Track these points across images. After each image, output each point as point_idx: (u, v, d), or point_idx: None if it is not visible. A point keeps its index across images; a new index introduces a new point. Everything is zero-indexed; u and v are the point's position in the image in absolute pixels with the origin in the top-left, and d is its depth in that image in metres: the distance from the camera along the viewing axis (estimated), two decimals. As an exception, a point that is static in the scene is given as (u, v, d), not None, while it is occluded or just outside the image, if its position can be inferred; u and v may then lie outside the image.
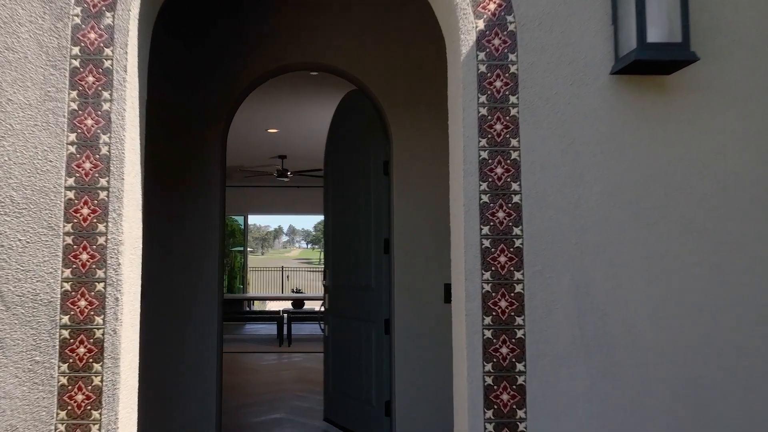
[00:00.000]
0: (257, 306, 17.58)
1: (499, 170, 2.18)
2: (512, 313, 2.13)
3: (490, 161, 2.18)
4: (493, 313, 2.13)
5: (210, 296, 4.00)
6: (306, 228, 70.48)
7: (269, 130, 8.69)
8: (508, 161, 2.18)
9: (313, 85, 6.74)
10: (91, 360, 2.12)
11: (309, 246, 65.69)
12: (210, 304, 4.00)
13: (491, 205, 2.17)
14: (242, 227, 16.48)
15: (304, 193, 14.26)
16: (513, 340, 2.13)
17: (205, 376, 3.98)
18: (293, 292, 15.72)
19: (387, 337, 4.07)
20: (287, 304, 15.23)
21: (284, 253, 63.02)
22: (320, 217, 58.89)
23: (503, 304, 2.14)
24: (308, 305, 15.04)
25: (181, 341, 3.97)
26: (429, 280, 3.94)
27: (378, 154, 4.23)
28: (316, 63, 4.18)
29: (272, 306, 17.83)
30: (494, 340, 2.12)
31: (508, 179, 2.18)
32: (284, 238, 72.61)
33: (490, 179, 2.17)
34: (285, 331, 10.36)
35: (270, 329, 12.01)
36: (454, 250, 2.35)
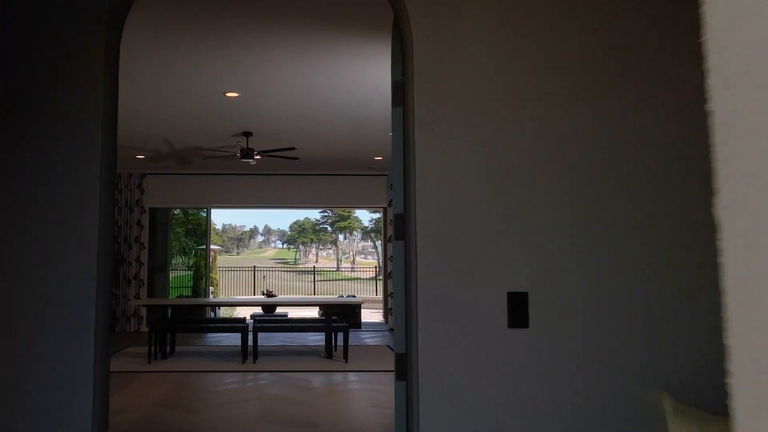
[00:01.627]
0: (228, 310, 15.74)
1: None
2: None
3: None
4: None
5: (80, 302, 2.21)
6: (282, 228, 68.77)
7: (227, 94, 6.90)
8: None
9: (281, 20, 4.97)
10: None
11: (284, 246, 64.10)
12: (80, 311, 2.21)
13: None
14: (216, 223, 14.70)
15: (276, 182, 12.46)
16: None
17: (71, 415, 2.20)
18: (264, 294, 13.92)
19: (402, 386, 2.34)
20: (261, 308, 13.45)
21: (260, 253, 61.75)
22: (296, 216, 57.35)
23: None
24: (280, 310, 13.27)
25: (26, 362, 2.19)
26: (479, 285, 2.20)
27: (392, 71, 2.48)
28: None
29: (243, 311, 16.03)
30: None
31: None
32: (260, 238, 71.01)
33: None
34: (251, 341, 8.56)
35: (236, 339, 10.20)
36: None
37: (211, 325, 9.08)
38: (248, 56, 5.73)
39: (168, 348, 9.07)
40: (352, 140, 9.36)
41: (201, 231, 16.45)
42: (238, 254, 60.35)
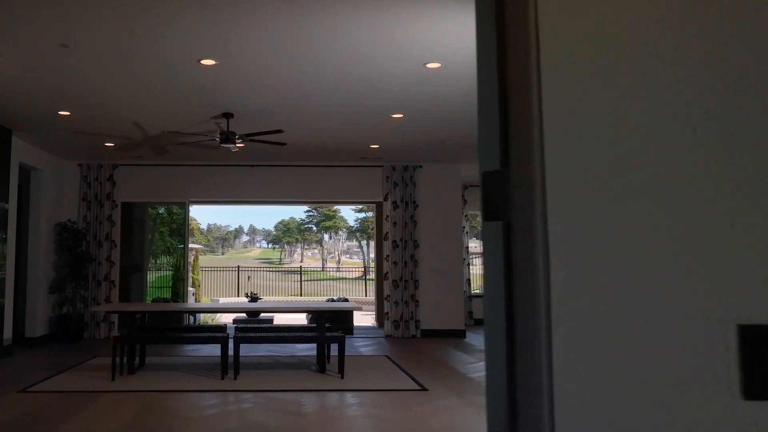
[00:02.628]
0: (213, 314, 14.57)
1: None
2: None
3: None
4: None
5: None
6: (266, 227, 67.96)
7: (203, 62, 5.76)
8: None
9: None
10: None
11: (269, 246, 63.35)
12: None
13: None
14: (201, 223, 13.59)
15: (260, 174, 11.33)
16: None
17: None
18: (248, 297, 12.79)
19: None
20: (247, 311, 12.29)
21: (245, 252, 61.44)
22: (281, 215, 56.51)
23: None
24: (265, 315, 12.14)
25: None
26: (672, 310, 1.12)
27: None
28: None
29: (225, 315, 14.89)
30: None
31: None
32: (245, 238, 70.46)
33: None
34: (232, 350, 7.41)
35: (215, 348, 9.05)
36: None
37: (187, 335, 7.93)
38: (227, 13, 4.61)
39: (137, 359, 7.92)
40: (348, 121, 8.25)
41: (186, 231, 15.40)
42: (222, 254, 60.09)
